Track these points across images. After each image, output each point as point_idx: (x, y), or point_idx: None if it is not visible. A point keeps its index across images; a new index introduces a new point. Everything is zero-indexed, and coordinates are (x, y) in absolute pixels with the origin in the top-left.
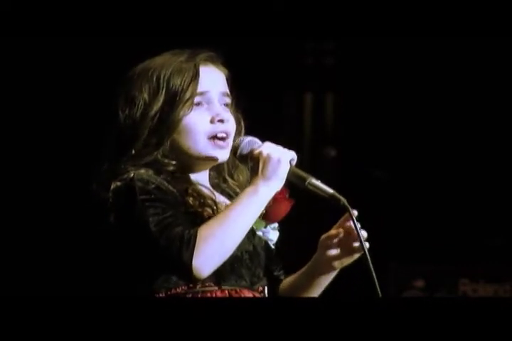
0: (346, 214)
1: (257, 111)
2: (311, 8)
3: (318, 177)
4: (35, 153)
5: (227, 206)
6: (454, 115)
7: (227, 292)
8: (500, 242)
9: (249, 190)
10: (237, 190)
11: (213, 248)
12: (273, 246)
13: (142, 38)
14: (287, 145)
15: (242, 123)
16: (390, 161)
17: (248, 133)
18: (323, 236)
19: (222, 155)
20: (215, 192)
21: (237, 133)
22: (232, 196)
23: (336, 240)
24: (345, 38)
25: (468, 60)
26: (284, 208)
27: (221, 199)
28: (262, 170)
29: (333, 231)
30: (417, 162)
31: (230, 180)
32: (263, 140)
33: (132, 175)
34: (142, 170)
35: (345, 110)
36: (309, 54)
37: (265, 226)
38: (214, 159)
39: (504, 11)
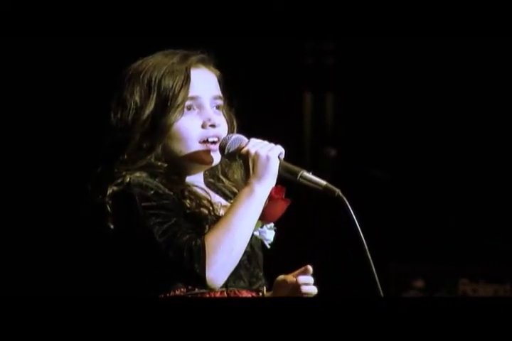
0: (302, 268)
1: (257, 111)
2: (311, 8)
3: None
4: (34, 153)
5: (226, 210)
6: (454, 115)
7: (225, 293)
8: (500, 242)
9: (245, 191)
10: (234, 189)
11: (223, 257)
12: (269, 246)
13: (142, 38)
14: (287, 145)
15: (235, 123)
16: (390, 161)
17: (248, 133)
18: (279, 278)
19: (215, 158)
20: (211, 192)
21: (229, 131)
22: (228, 195)
23: (289, 286)
24: (345, 38)
25: (468, 60)
26: (281, 208)
27: (216, 199)
28: (253, 170)
29: (288, 278)
30: (417, 162)
31: (224, 179)
32: (264, 140)
33: (128, 179)
34: (137, 174)
35: (345, 110)
36: (309, 54)
37: (261, 226)
38: (206, 163)
39: (504, 11)
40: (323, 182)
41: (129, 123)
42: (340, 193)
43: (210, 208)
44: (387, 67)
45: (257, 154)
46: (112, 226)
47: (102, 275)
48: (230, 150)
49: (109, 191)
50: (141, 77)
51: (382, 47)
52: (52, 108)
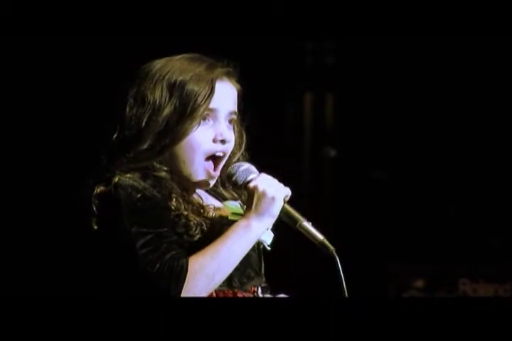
0: None
1: (257, 111)
2: (311, 9)
3: (317, 178)
4: (35, 153)
5: (218, 237)
6: (453, 115)
7: (214, 293)
8: (500, 242)
9: (241, 224)
10: (235, 194)
11: (202, 284)
12: (268, 248)
13: (141, 38)
14: (287, 145)
15: (244, 138)
16: (390, 161)
17: (248, 133)
18: None
19: (210, 184)
20: (203, 195)
21: (237, 146)
22: (225, 197)
23: None
24: (345, 38)
25: (469, 60)
26: None
27: (209, 201)
28: (255, 206)
29: None
30: (416, 162)
31: (223, 189)
32: (263, 140)
33: (117, 179)
34: (129, 174)
35: (345, 110)
36: (309, 54)
37: None
38: (200, 184)
39: (504, 11)
40: (321, 237)
41: (144, 122)
42: (335, 252)
43: (201, 211)
44: (387, 67)
45: (263, 193)
46: (95, 227)
47: (87, 274)
48: (238, 180)
49: (97, 190)
50: (166, 77)
51: (382, 47)
52: (52, 108)
